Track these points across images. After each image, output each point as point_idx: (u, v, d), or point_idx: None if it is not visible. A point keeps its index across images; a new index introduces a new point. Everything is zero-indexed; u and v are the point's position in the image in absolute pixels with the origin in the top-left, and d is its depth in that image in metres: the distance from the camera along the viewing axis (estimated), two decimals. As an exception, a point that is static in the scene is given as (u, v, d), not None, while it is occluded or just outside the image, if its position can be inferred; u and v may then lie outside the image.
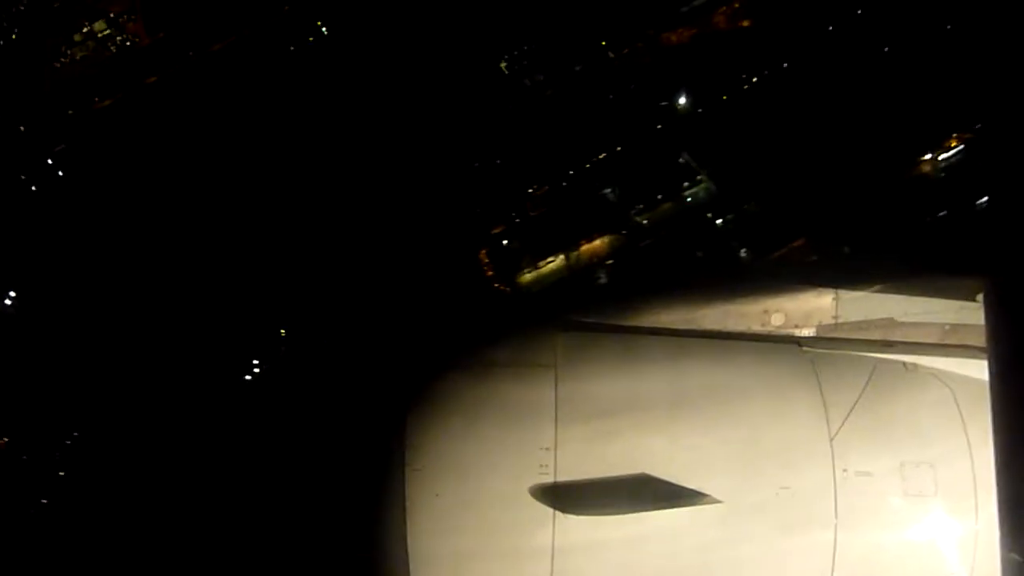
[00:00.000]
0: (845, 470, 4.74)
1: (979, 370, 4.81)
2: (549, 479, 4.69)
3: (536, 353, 5.03)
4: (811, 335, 5.28)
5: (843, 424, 4.84)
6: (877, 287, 5.26)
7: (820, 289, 5.31)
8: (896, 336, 5.18)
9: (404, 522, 4.71)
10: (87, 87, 67.33)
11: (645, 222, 44.96)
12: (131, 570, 38.15)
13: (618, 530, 4.68)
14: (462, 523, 4.76)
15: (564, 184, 47.36)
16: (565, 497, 4.65)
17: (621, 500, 4.67)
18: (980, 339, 4.86)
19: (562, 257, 44.41)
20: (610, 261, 42.49)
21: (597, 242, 44.84)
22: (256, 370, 47.29)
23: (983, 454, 4.64)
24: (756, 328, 5.29)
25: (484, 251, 45.87)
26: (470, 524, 4.75)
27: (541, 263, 44.26)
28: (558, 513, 4.64)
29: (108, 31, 72.20)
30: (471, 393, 4.98)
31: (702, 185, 45.00)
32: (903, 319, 5.19)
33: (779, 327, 5.30)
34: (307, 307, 47.70)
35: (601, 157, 47.70)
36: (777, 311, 5.30)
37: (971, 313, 4.99)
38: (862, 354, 5.07)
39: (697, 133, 46.41)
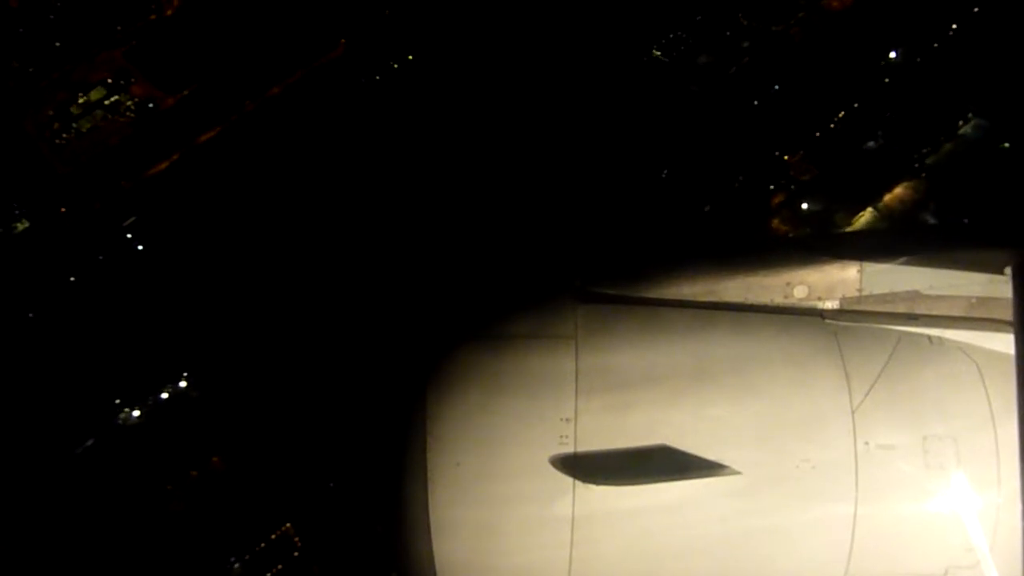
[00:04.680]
0: (867, 443, 4.78)
1: (1005, 344, 4.85)
2: (569, 449, 4.73)
3: (557, 325, 5.07)
4: (835, 308, 5.28)
5: (865, 397, 4.86)
6: (902, 260, 5.25)
7: (844, 262, 5.32)
8: (921, 309, 5.20)
9: (425, 491, 4.77)
10: (123, 156, 56.41)
11: (929, 163, 43.73)
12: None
13: (638, 500, 4.74)
14: (482, 492, 4.78)
15: (817, 146, 45.28)
16: (585, 467, 4.71)
17: (641, 470, 4.71)
18: (1007, 313, 4.91)
19: (870, 209, 41.72)
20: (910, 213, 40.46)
21: (898, 190, 42.76)
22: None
23: (1007, 428, 4.69)
24: (779, 301, 5.31)
25: (776, 219, 42.21)
26: (490, 493, 4.78)
27: (854, 219, 41.33)
28: (578, 483, 4.69)
29: (116, 98, 61.63)
30: (491, 364, 5.00)
31: (972, 122, 44.75)
32: (928, 292, 5.21)
33: (802, 300, 5.31)
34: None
35: (841, 116, 46.27)
36: (800, 284, 5.32)
37: (998, 286, 5.03)
38: (886, 327, 5.11)
39: (934, 79, 46.39)
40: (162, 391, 39.55)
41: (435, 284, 38.00)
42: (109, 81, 63.32)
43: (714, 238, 42.20)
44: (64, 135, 59.38)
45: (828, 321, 5.20)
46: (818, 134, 46.22)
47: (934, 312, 5.21)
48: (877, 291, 5.30)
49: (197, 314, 43.69)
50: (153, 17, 69.33)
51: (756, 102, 48.03)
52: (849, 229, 41.95)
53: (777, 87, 48.26)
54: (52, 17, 69.84)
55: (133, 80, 64.19)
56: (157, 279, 46.21)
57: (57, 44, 68.95)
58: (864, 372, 4.95)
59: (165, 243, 48.72)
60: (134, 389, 39.98)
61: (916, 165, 43.97)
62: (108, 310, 44.60)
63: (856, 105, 46.82)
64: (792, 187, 43.86)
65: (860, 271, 5.32)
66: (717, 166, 45.44)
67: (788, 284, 5.35)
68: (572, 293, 5.29)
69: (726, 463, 4.74)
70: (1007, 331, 4.89)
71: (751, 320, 5.20)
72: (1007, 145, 42.11)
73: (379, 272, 43.60)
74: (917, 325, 5.13)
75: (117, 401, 39.38)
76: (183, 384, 39.77)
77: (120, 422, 38.51)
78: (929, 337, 5.10)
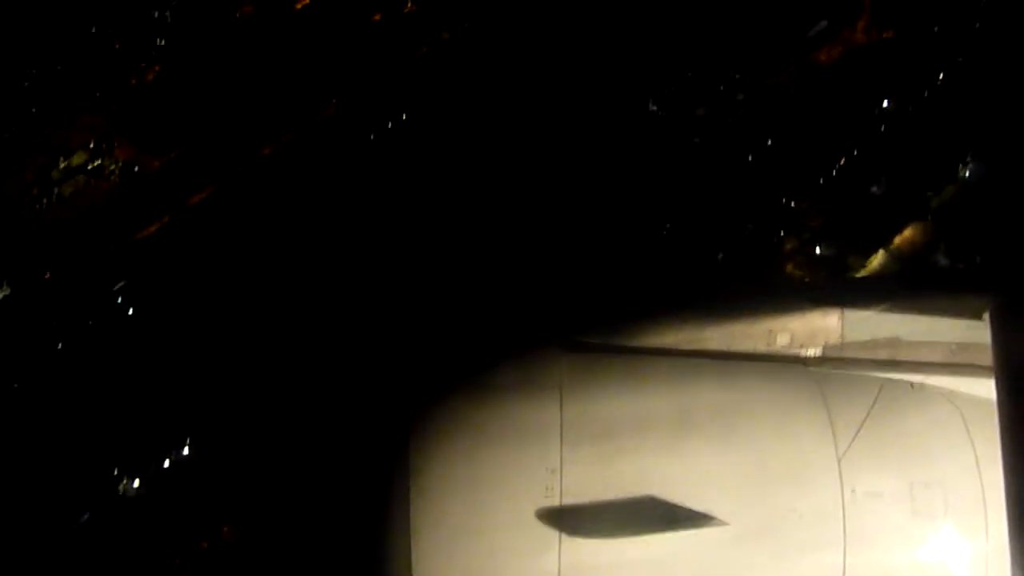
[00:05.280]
0: (853, 491, 5.72)
1: (987, 389, 5.68)
2: (555, 501, 5.66)
3: (540, 374, 6.03)
4: (817, 355, 6.19)
5: (851, 444, 5.75)
6: (883, 306, 6.21)
7: (826, 309, 6.35)
8: (902, 356, 6.15)
9: (408, 545, 5.54)
10: (109, 220, 54.87)
11: (934, 205, 44.09)
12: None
13: (624, 553, 5.56)
14: (467, 546, 5.64)
15: (823, 192, 45.55)
16: (571, 520, 5.59)
17: (627, 522, 5.51)
18: (987, 358, 5.67)
19: (882, 252, 41.60)
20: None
21: (907, 232, 42.83)
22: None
23: (992, 474, 5.54)
24: (761, 348, 6.29)
25: (790, 264, 41.91)
26: (475, 547, 5.64)
27: (867, 261, 41.16)
28: (564, 536, 5.56)
29: (99, 161, 60.47)
30: (475, 414, 5.92)
31: (970, 165, 45.36)
32: (909, 338, 6.13)
33: (785, 347, 6.30)
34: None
35: (842, 163, 46.69)
36: (783, 331, 6.36)
37: (978, 332, 5.92)
38: (868, 374, 5.96)
39: (928, 125, 47.17)
40: (164, 458, 37.49)
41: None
42: (91, 145, 62.15)
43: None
44: (44, 200, 57.77)
45: (811, 368, 6.01)
46: (822, 181, 46.29)
47: (915, 358, 5.96)
48: (858, 338, 6.10)
49: (196, 377, 41.91)
50: (134, 82, 68.69)
51: (760, 150, 48.14)
52: (863, 272, 41.98)
53: (777, 137, 48.62)
54: (26, 83, 68.78)
55: (117, 143, 63.05)
56: (152, 343, 44.41)
57: (33, 109, 67.78)
58: (848, 419, 5.72)
59: (159, 306, 47.07)
60: (133, 458, 37.86)
61: (922, 208, 44.05)
62: (100, 377, 42.59)
63: (855, 152, 47.15)
64: (803, 233, 43.59)
65: (841, 318, 6.23)
66: (725, 215, 45.30)
67: (771, 332, 6.26)
68: (557, 342, 5.95)
69: (713, 514, 5.42)
70: (988, 376, 5.52)
71: (735, 368, 6.01)
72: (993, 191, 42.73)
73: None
74: (899, 371, 5.92)
75: (115, 471, 37.21)
76: (186, 450, 37.78)
77: (120, 493, 36.25)
78: (911, 383, 5.89)
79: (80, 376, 44.10)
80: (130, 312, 47.26)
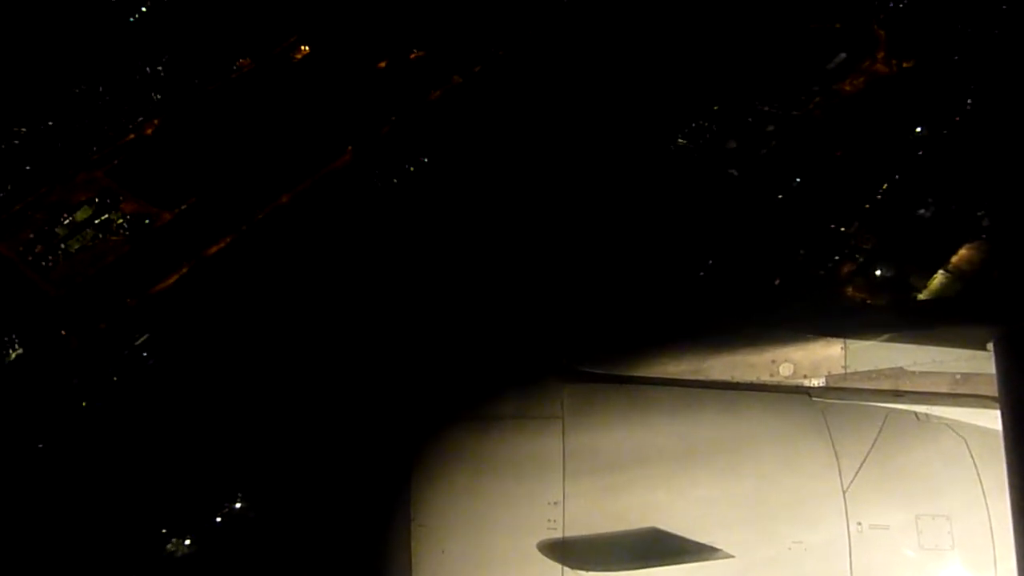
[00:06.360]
0: (859, 523, 4.84)
1: (992, 420, 4.96)
2: (557, 534, 4.77)
3: (543, 405, 5.15)
4: (821, 385, 5.39)
5: (856, 476, 4.94)
6: (885, 336, 5.39)
7: (828, 339, 5.45)
8: (906, 386, 5.32)
9: None
10: (123, 274, 52.63)
11: (986, 224, 43.85)
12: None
13: None
14: None
15: (871, 216, 45.10)
16: (574, 553, 4.75)
17: (631, 556, 4.76)
18: (992, 388, 4.98)
19: (941, 272, 41.08)
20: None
21: (963, 251, 42.43)
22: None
23: (1000, 506, 4.78)
24: (764, 379, 5.41)
25: (850, 288, 41.18)
26: None
27: (928, 282, 40.54)
28: (567, 570, 4.73)
29: (106, 216, 58.21)
30: (477, 446, 5.05)
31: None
32: (913, 368, 5.34)
33: (788, 377, 5.41)
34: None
35: (884, 188, 46.43)
36: (785, 361, 5.43)
37: (981, 362, 5.12)
38: (873, 404, 5.22)
39: (965, 149, 47.28)
40: (216, 514, 34.82)
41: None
42: (96, 201, 59.78)
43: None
44: (50, 257, 55.09)
45: (815, 399, 5.13)
46: (868, 205, 46.35)
47: (919, 389, 5.13)
48: (861, 368, 5.24)
49: (237, 427, 39.44)
50: (132, 137, 66.67)
51: (798, 179, 48.06)
52: (925, 292, 41.54)
53: (813, 165, 48.53)
54: (16, 142, 66.47)
55: (122, 198, 60.74)
56: (184, 395, 41.84)
57: (28, 168, 65.36)
58: (853, 451, 4.88)
59: (186, 357, 44.63)
60: (181, 516, 35.09)
61: (975, 227, 44.11)
62: (131, 433, 39.81)
63: (897, 177, 47.24)
64: (857, 256, 43.53)
65: (844, 348, 5.28)
66: (774, 242, 44.74)
67: (773, 362, 5.30)
68: (558, 372, 5.19)
69: (718, 546, 4.65)
70: (993, 407, 4.78)
71: (738, 399, 5.14)
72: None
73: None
74: (903, 402, 5.05)
75: (163, 531, 34.37)
76: (239, 505, 35.13)
77: (171, 553, 33.45)
78: (916, 414, 5.02)
79: (109, 434, 40.27)
80: (154, 365, 43.66)
